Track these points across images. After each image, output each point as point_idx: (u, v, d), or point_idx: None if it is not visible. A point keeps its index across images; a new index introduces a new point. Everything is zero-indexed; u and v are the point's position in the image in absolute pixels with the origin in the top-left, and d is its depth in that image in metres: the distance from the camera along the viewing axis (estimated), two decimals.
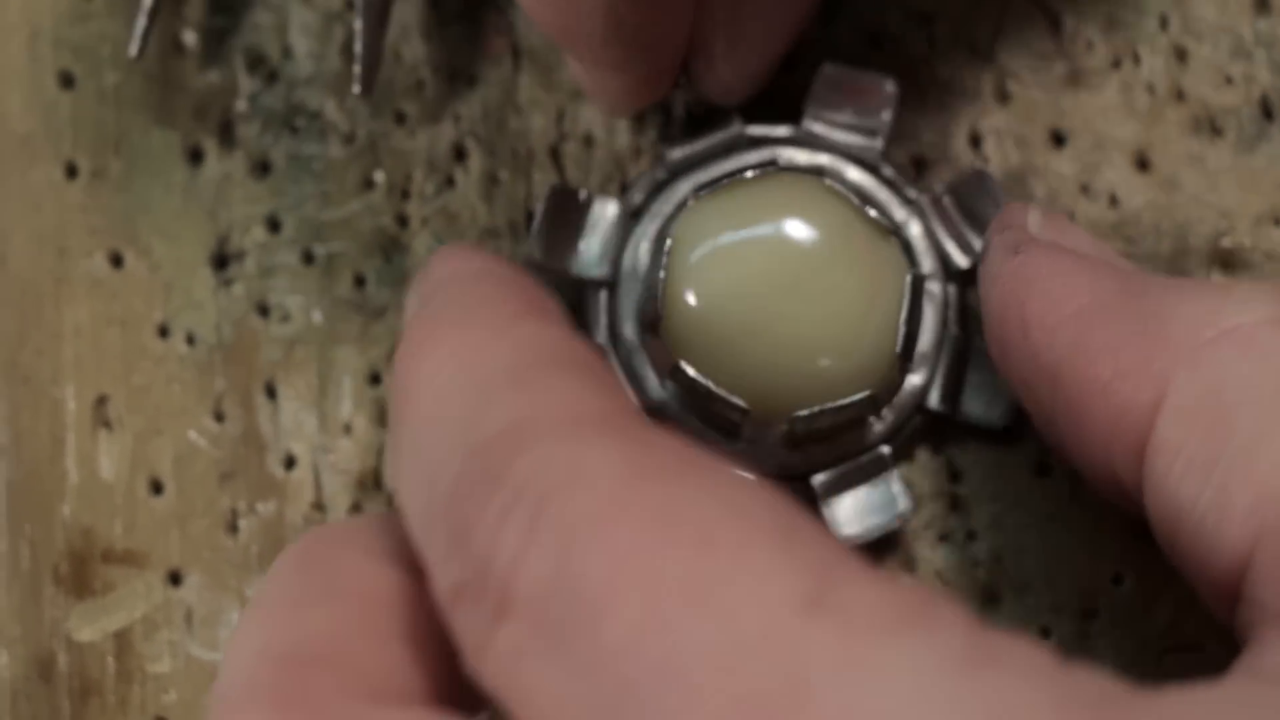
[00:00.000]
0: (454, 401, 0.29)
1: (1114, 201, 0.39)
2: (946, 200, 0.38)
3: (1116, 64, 0.39)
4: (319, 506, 0.38)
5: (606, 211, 0.38)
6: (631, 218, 0.38)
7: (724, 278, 0.36)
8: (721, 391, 0.35)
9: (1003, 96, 0.39)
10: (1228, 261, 0.39)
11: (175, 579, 0.38)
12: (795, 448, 0.37)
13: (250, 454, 0.38)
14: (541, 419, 0.28)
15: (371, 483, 0.38)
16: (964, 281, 0.38)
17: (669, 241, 0.36)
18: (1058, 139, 0.39)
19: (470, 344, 0.29)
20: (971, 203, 0.38)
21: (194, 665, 0.38)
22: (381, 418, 0.38)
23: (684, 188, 0.38)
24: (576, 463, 0.27)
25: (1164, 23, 0.39)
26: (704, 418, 0.37)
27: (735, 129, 0.38)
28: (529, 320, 0.30)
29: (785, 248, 0.36)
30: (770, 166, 0.37)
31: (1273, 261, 0.38)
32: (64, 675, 0.38)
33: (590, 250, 0.38)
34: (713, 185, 0.37)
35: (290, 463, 0.38)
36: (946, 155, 0.39)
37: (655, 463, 0.27)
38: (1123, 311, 0.32)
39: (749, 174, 0.37)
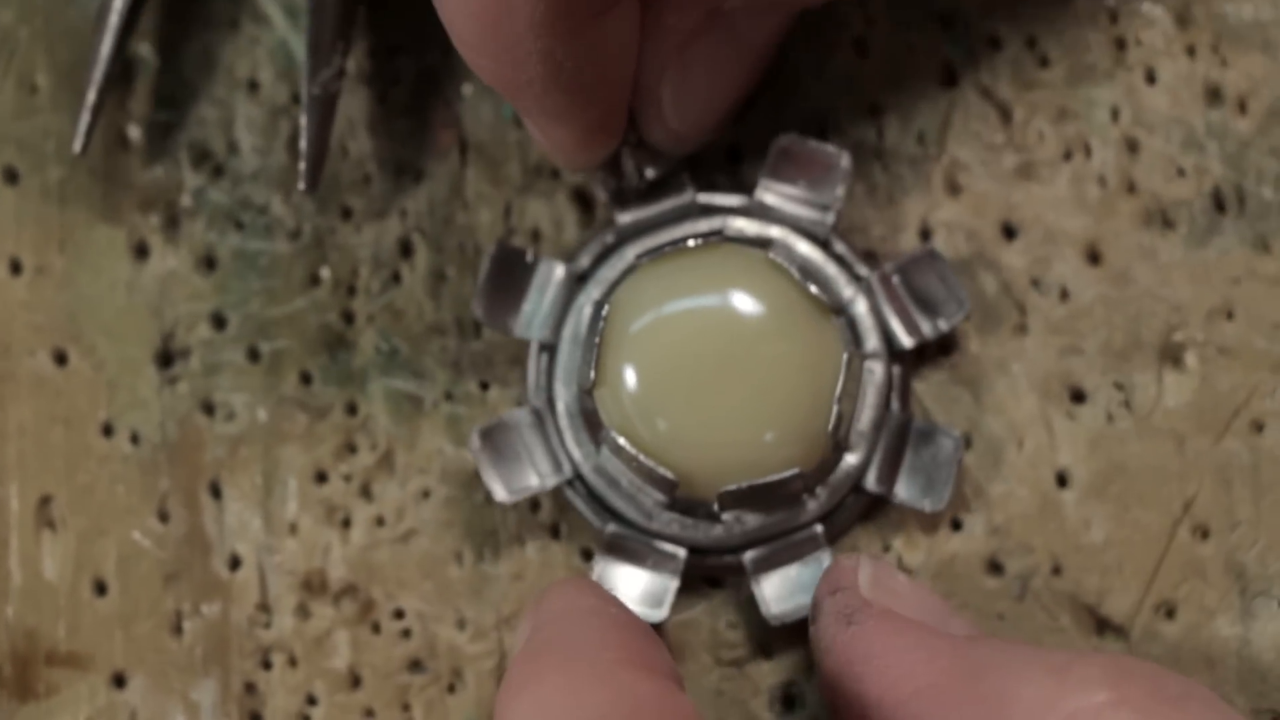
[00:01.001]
0: None
1: (1065, 295, 0.38)
2: (895, 279, 0.38)
3: (1068, 155, 0.39)
4: (264, 607, 0.38)
5: (552, 274, 0.38)
6: (577, 281, 0.38)
7: (659, 348, 0.36)
8: (650, 463, 0.35)
9: (953, 188, 0.39)
10: (1179, 357, 0.38)
11: (119, 681, 0.38)
12: (727, 522, 0.37)
13: (195, 554, 0.38)
14: None
15: (317, 583, 0.38)
16: (908, 361, 0.38)
17: (605, 308, 0.36)
18: (1008, 231, 0.39)
19: (568, 688, 0.30)
20: (921, 283, 0.37)
21: None
22: (328, 517, 0.38)
23: (631, 253, 0.38)
24: None
25: (1115, 114, 0.39)
26: (641, 480, 0.37)
27: (687, 196, 0.38)
28: (630, 670, 0.30)
29: (723, 320, 0.35)
30: (714, 237, 0.37)
31: (1225, 356, 0.38)
32: None
33: (533, 312, 0.38)
34: (654, 253, 0.37)
35: (235, 563, 0.38)
36: (896, 249, 0.39)
37: None
38: (962, 695, 0.32)
39: (691, 243, 0.36)
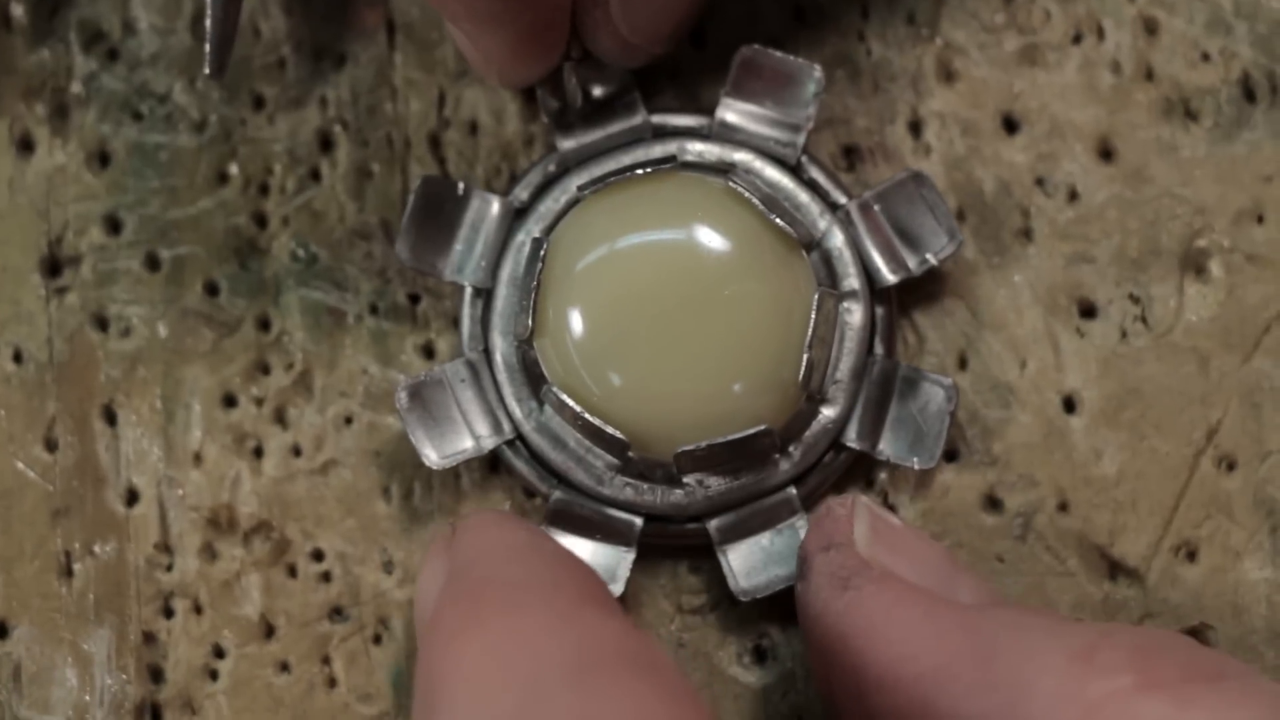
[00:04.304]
0: (501, 699, 0.28)
1: (1073, 196, 0.38)
2: (876, 208, 0.36)
3: (1077, 38, 0.38)
4: (165, 548, 0.37)
5: (488, 208, 0.37)
6: (516, 216, 0.37)
7: (607, 290, 0.35)
8: (597, 421, 0.34)
9: (947, 75, 0.38)
10: (1202, 266, 0.37)
11: (1, 630, 0.37)
12: (689, 486, 0.36)
13: (86, 488, 0.37)
14: None
15: (225, 521, 0.37)
16: (893, 301, 0.37)
17: (545, 246, 0.35)
18: (1009, 124, 0.38)
19: (522, 632, 0.29)
20: (905, 211, 0.36)
21: None
22: (237, 446, 0.37)
23: (575, 184, 0.37)
24: None
25: None
26: (589, 440, 0.36)
27: (639, 118, 0.37)
28: (591, 608, 0.30)
29: (679, 259, 0.35)
30: (667, 164, 0.36)
31: (1254, 264, 0.37)
32: None
33: (465, 251, 0.37)
34: (599, 184, 0.36)
35: (132, 498, 0.37)
36: (883, 144, 0.38)
37: None
38: (975, 681, 0.31)
39: (640, 172, 0.35)
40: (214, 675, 0.37)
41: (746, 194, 0.35)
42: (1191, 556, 0.37)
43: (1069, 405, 0.37)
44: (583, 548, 0.36)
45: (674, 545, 0.36)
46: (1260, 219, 0.37)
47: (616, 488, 0.36)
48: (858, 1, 0.38)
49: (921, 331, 0.37)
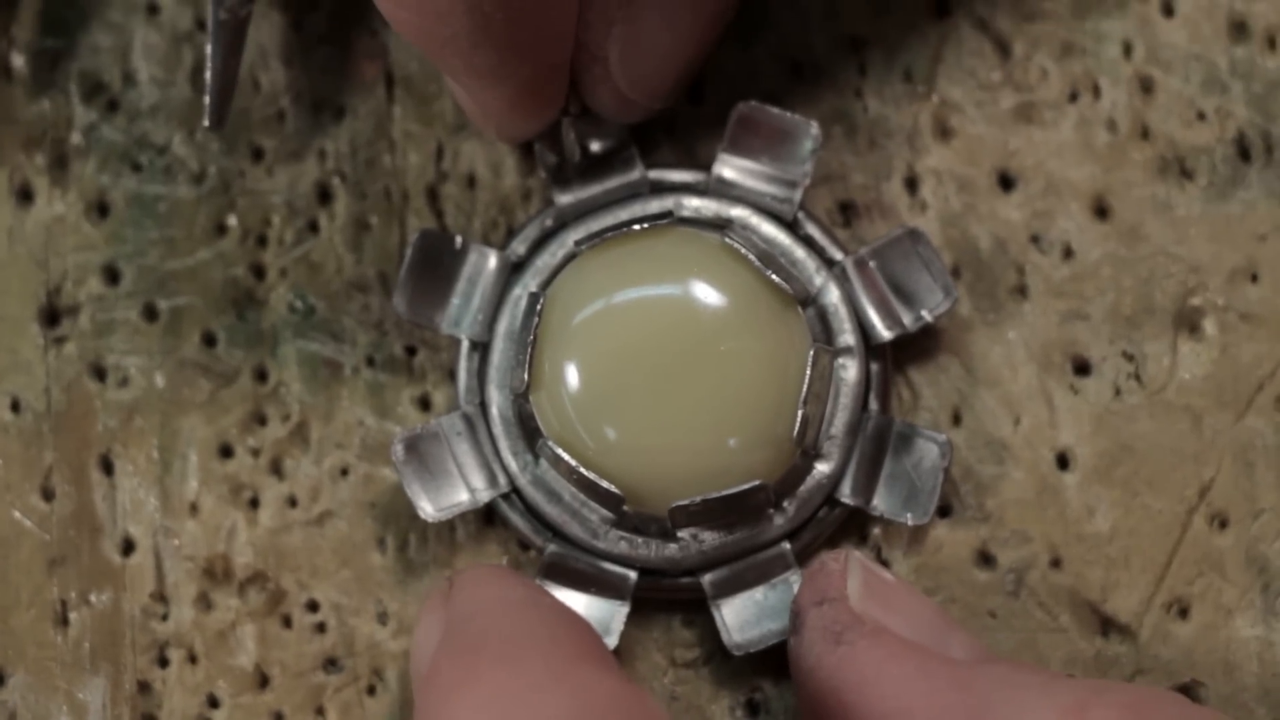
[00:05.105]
0: None
1: (1068, 253, 0.38)
2: (872, 264, 0.37)
3: (1073, 96, 0.38)
4: (160, 597, 0.37)
5: (485, 262, 0.37)
6: (513, 270, 0.37)
7: (603, 344, 0.35)
8: (591, 475, 0.34)
9: (943, 132, 0.38)
10: (1196, 324, 0.37)
11: None
12: (683, 540, 0.36)
13: (83, 537, 0.37)
14: None
15: (220, 571, 0.37)
16: (888, 357, 0.37)
17: (541, 300, 0.35)
18: (1005, 181, 0.38)
19: (519, 688, 0.29)
20: (901, 268, 0.36)
21: None
22: (233, 497, 0.37)
23: (573, 238, 0.37)
24: None
25: (1127, 50, 0.38)
26: (584, 494, 0.36)
27: (636, 173, 0.37)
28: (588, 666, 0.30)
29: (675, 314, 0.35)
30: (664, 219, 0.36)
31: (1248, 323, 0.37)
32: None
33: (463, 305, 0.37)
34: (596, 239, 0.36)
35: (128, 547, 0.37)
36: (879, 200, 0.38)
37: None
38: None
39: (637, 227, 0.36)
40: None
41: (743, 250, 0.35)
42: (1183, 613, 0.37)
43: (1062, 462, 0.37)
44: (577, 601, 0.36)
45: (668, 599, 0.36)
46: (1254, 278, 0.37)
47: (611, 541, 0.36)
48: (855, 58, 0.38)
49: (916, 387, 0.37)
